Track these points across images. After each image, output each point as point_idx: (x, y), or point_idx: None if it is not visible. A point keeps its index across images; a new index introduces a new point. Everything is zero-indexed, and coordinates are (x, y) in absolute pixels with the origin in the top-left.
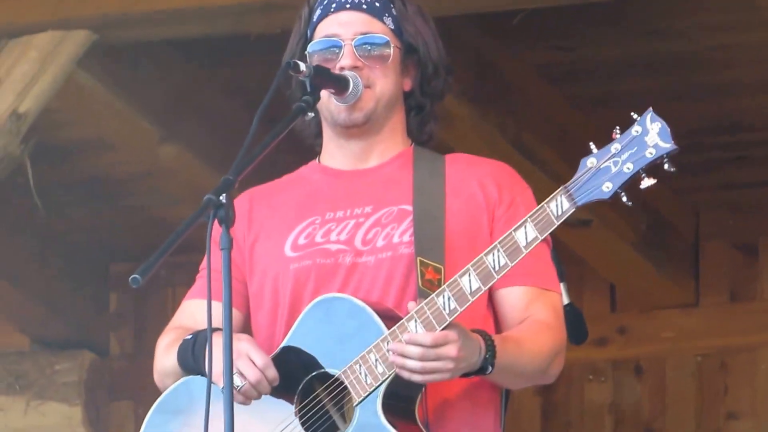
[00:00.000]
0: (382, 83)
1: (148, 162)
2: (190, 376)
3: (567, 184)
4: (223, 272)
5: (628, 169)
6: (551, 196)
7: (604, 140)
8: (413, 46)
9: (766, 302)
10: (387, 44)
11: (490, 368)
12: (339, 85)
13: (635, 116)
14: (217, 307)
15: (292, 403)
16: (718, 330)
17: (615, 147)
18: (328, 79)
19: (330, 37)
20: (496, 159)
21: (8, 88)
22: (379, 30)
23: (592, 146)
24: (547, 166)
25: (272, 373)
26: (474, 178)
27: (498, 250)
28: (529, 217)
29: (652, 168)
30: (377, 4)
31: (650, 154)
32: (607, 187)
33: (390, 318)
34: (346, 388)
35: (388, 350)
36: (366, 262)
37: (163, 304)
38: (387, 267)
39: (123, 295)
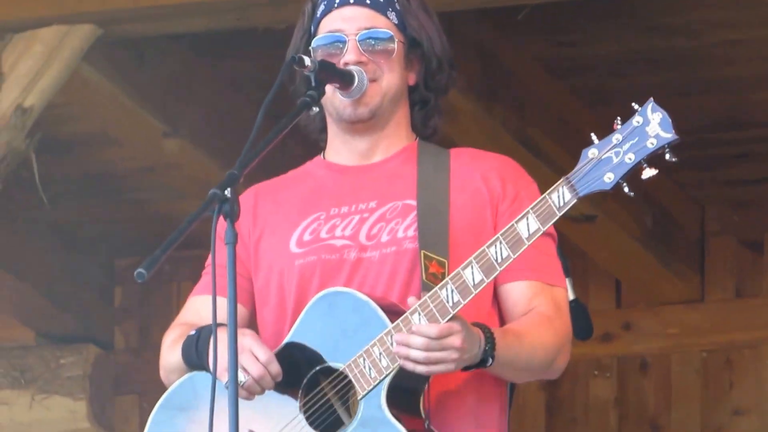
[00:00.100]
0: (388, 77)
1: (152, 156)
2: (195, 372)
3: (569, 175)
4: (228, 266)
5: (630, 159)
6: (553, 187)
7: (607, 134)
8: (417, 40)
9: None
10: (391, 39)
11: (490, 360)
12: (344, 79)
13: (636, 107)
14: (222, 303)
15: (296, 398)
16: (724, 326)
17: (616, 138)
18: (333, 73)
19: (334, 33)
20: (501, 153)
21: (13, 83)
22: (383, 25)
23: (594, 137)
24: (551, 160)
25: (275, 368)
26: (478, 172)
27: (500, 242)
28: (531, 208)
29: (654, 158)
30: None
31: (651, 144)
32: (609, 178)
33: (394, 312)
34: (350, 382)
35: (392, 343)
36: (371, 257)
37: (168, 298)
38: (391, 262)
39: (128, 289)
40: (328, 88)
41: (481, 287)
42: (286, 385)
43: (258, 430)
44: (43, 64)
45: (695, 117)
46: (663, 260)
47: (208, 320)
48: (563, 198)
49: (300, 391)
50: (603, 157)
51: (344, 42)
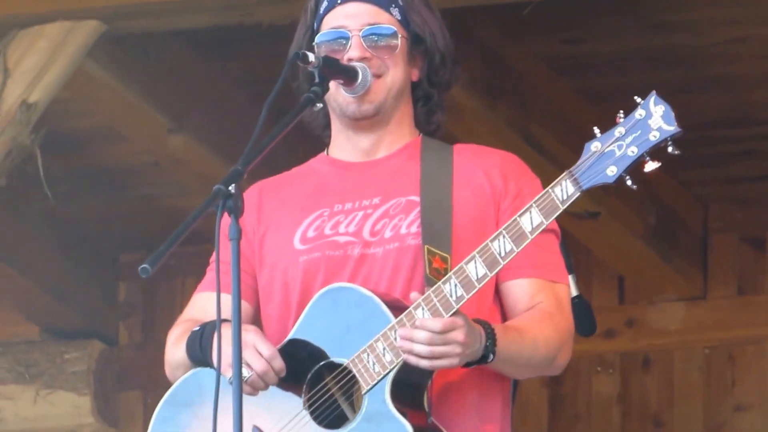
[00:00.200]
0: (392, 73)
1: (157, 152)
2: (199, 368)
3: (572, 169)
4: (232, 262)
5: (633, 152)
6: (556, 180)
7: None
8: (420, 36)
9: None
10: (394, 35)
11: (491, 356)
12: (348, 75)
13: (639, 99)
14: (227, 300)
15: (300, 394)
16: (726, 322)
17: (619, 131)
18: (337, 69)
19: (337, 29)
20: (504, 150)
21: (18, 79)
22: (386, 21)
23: (596, 130)
24: (554, 158)
25: (279, 363)
26: (481, 168)
27: (503, 236)
28: (534, 202)
29: (657, 151)
30: None
31: (654, 137)
32: (612, 171)
33: (397, 308)
34: (354, 377)
35: (396, 338)
36: (374, 254)
37: (173, 293)
38: (394, 258)
39: (132, 284)
40: (332, 85)
41: (485, 281)
42: (290, 380)
43: (262, 426)
44: (47, 60)
45: (698, 114)
46: (666, 257)
47: (213, 317)
48: (566, 191)
49: (304, 387)
50: (606, 151)
51: (348, 38)
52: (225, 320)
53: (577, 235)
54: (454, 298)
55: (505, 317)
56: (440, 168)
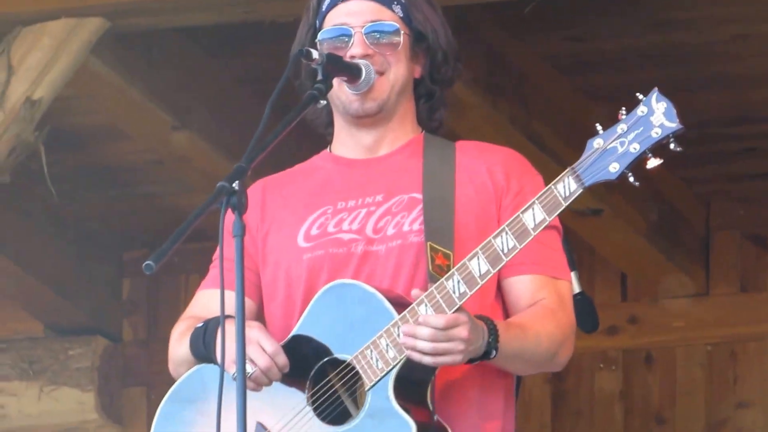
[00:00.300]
0: (395, 70)
1: (160, 150)
2: (203, 365)
3: (574, 165)
4: (236, 258)
5: (635, 149)
6: (558, 177)
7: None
8: (422, 33)
9: None
10: (397, 32)
11: (494, 352)
12: (351, 72)
13: (641, 96)
14: (230, 296)
15: (303, 390)
16: (728, 319)
17: (621, 127)
18: (340, 66)
19: (340, 26)
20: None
21: (22, 76)
22: (389, 18)
23: (599, 127)
24: (557, 155)
25: (282, 359)
26: (484, 165)
27: (506, 233)
28: (537, 199)
29: (659, 148)
30: None
31: (656, 133)
32: (614, 168)
33: (400, 304)
34: (357, 373)
35: (399, 334)
36: (377, 251)
37: (176, 290)
38: (396, 255)
39: (136, 281)
40: (335, 82)
41: (488, 278)
42: (294, 377)
43: (266, 422)
44: (51, 57)
45: (700, 112)
46: (668, 254)
47: (216, 313)
48: (569, 188)
49: (307, 383)
50: (608, 147)
51: (350, 35)
52: (229, 316)
53: (580, 233)
54: (457, 294)
55: (506, 314)
56: (443, 165)
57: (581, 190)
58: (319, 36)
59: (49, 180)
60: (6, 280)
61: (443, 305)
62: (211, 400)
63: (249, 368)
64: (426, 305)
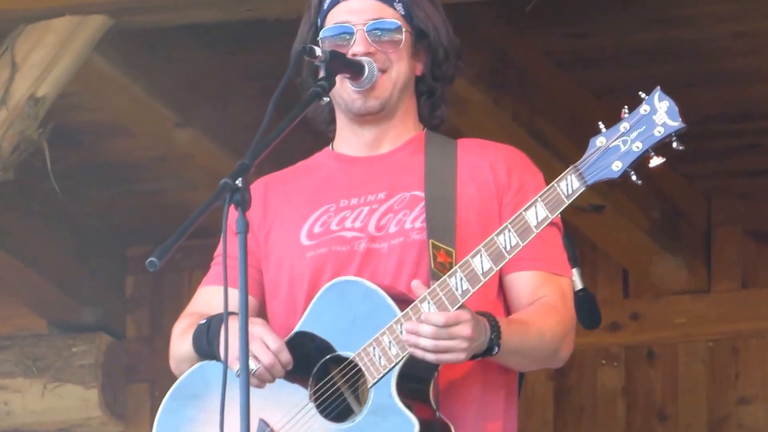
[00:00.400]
0: (397, 67)
1: (164, 147)
2: (205, 361)
3: (577, 163)
4: (239, 254)
5: (637, 147)
6: (561, 175)
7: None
8: (424, 31)
9: None
10: (398, 29)
11: (496, 349)
12: (354, 69)
13: (643, 95)
14: (233, 294)
15: (306, 387)
16: (730, 316)
17: (624, 126)
18: (343, 63)
19: (341, 24)
20: (510, 145)
21: (26, 73)
22: (390, 15)
23: (601, 126)
24: (559, 152)
25: (286, 356)
26: (485, 162)
27: (509, 230)
28: (540, 196)
29: (661, 147)
30: None
31: (659, 132)
32: (617, 166)
33: (403, 301)
34: (360, 370)
35: (401, 331)
36: (380, 249)
37: (180, 287)
38: (398, 253)
39: (140, 278)
40: (338, 79)
41: (490, 275)
42: (297, 373)
43: (268, 419)
44: (55, 55)
45: (701, 109)
46: (670, 251)
47: (218, 310)
48: (571, 186)
49: (310, 380)
50: (611, 146)
51: (352, 33)
52: (232, 313)
53: (582, 229)
54: (459, 291)
55: (508, 311)
56: (444, 163)
57: (584, 188)
58: (321, 34)
59: (52, 177)
60: (10, 276)
61: (446, 302)
62: (214, 396)
63: (252, 365)
64: (429, 302)
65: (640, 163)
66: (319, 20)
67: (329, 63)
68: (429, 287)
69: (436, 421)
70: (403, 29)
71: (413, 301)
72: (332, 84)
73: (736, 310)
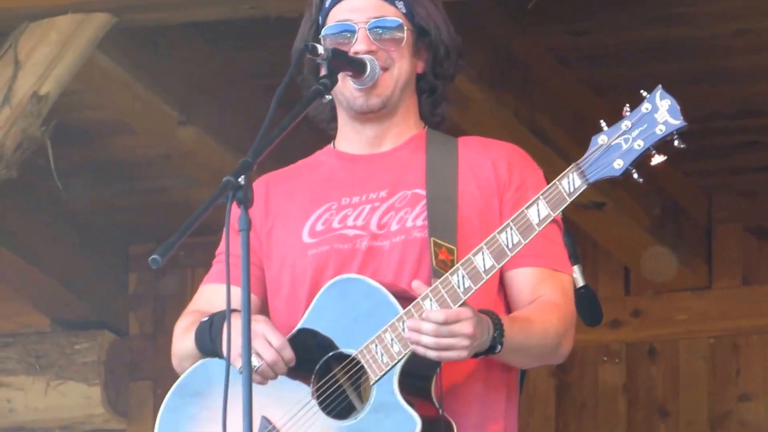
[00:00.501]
0: (399, 65)
1: (167, 144)
2: (207, 359)
3: (579, 161)
4: (242, 252)
5: (639, 146)
6: (563, 173)
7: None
8: (425, 29)
9: None
10: (400, 27)
11: (499, 347)
12: (357, 67)
13: (645, 93)
14: (234, 292)
15: (309, 384)
16: (731, 312)
17: (625, 124)
18: (345, 61)
19: (343, 22)
20: (511, 142)
21: (29, 71)
22: (392, 13)
23: (603, 124)
24: (561, 149)
25: (288, 353)
26: (486, 160)
27: (511, 228)
28: (542, 194)
29: (663, 145)
30: None
31: (660, 130)
32: (618, 164)
33: (405, 298)
34: (362, 367)
35: (404, 329)
36: (381, 246)
37: (182, 284)
38: (400, 250)
39: (142, 275)
40: (339, 76)
41: (492, 273)
42: (299, 371)
43: (271, 416)
44: (58, 52)
45: (702, 106)
46: (671, 248)
47: (220, 308)
48: (573, 184)
49: (312, 377)
50: (612, 144)
51: (354, 31)
52: (234, 310)
53: (583, 226)
54: (461, 289)
55: (508, 307)
56: (445, 161)
57: (585, 186)
58: (323, 32)
59: (55, 175)
60: (13, 274)
61: (448, 300)
62: (216, 394)
63: (255, 362)
64: (431, 300)
65: (641, 161)
66: (320, 18)
67: (332, 61)
68: (430, 285)
69: (438, 418)
70: (405, 27)
71: (415, 298)
72: (335, 82)
73: (737, 307)
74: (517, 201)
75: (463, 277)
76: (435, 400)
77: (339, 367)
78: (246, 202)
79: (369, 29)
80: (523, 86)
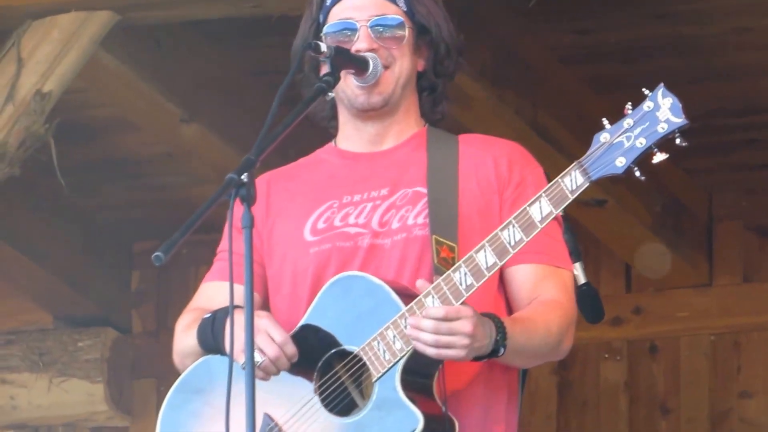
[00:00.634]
0: (400, 63)
1: (170, 142)
2: (210, 355)
3: (581, 159)
4: (245, 249)
5: (641, 144)
6: (565, 171)
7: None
8: (426, 26)
9: None
10: (401, 25)
11: (502, 350)
12: (359, 65)
13: (647, 92)
14: (236, 289)
15: (311, 381)
16: (732, 310)
17: (627, 122)
18: (348, 59)
19: (345, 20)
20: (514, 140)
21: (32, 69)
22: (393, 11)
23: (605, 122)
24: (563, 147)
25: (291, 349)
26: (487, 157)
27: (513, 226)
28: (544, 191)
29: (664, 143)
30: None
31: (662, 129)
32: (621, 162)
33: (407, 295)
34: (364, 364)
35: (406, 326)
36: (383, 244)
37: (186, 282)
38: (401, 248)
39: (145, 273)
40: (342, 74)
41: (494, 270)
42: (301, 367)
43: (273, 413)
44: (61, 50)
45: (704, 103)
46: (672, 245)
47: (221, 305)
48: (576, 182)
49: (315, 374)
50: (614, 142)
51: (355, 29)
52: (237, 306)
53: (584, 223)
54: (463, 286)
55: (508, 303)
56: (446, 158)
57: (588, 184)
58: (324, 30)
59: (58, 172)
60: (16, 271)
61: (450, 297)
62: (218, 390)
63: (258, 357)
64: (433, 297)
65: (643, 158)
66: (321, 16)
67: (334, 58)
68: (432, 282)
69: (441, 415)
70: (406, 25)
71: (417, 295)
72: (337, 79)
73: (738, 304)
74: (516, 198)
75: (465, 274)
76: (437, 397)
77: (341, 364)
78: (249, 200)
79: (370, 27)
80: (525, 84)
